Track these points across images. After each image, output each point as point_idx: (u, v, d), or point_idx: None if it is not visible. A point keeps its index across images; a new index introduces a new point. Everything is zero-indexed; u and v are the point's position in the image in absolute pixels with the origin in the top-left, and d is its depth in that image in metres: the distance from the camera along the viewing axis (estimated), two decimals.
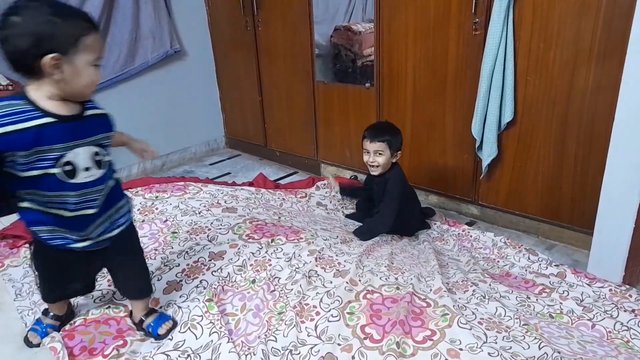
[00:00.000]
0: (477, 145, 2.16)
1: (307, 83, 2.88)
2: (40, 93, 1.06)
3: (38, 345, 1.39)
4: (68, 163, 1.10)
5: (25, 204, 1.14)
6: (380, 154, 1.97)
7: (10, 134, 1.00)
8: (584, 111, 1.86)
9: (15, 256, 1.84)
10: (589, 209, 1.79)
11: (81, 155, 1.11)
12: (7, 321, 1.53)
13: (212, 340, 1.33)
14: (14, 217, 2.08)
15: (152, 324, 1.40)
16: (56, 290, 1.38)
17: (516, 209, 2.19)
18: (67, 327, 1.44)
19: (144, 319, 1.42)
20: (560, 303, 1.51)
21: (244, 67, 3.28)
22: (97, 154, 1.15)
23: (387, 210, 1.97)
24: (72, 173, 1.11)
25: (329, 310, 1.40)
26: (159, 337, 1.38)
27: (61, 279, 1.34)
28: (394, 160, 2.03)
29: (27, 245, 1.89)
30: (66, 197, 1.12)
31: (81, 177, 1.13)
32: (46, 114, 1.06)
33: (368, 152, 2.00)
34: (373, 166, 2.00)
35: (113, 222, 1.27)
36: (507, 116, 2.03)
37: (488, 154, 2.12)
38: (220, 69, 3.52)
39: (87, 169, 1.13)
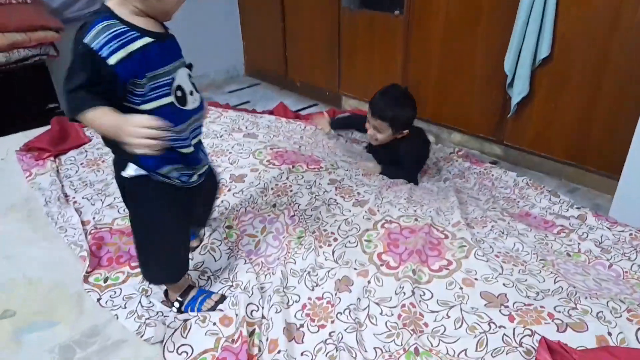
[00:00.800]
0: (507, 82, 2.07)
1: (332, 9, 2.75)
2: (125, 9, 0.92)
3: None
4: (179, 88, 0.98)
5: None
6: (379, 130, 1.84)
7: (124, 60, 0.88)
8: (625, 50, 1.75)
9: (42, 167, 1.88)
10: (617, 154, 1.74)
11: (184, 78, 1.01)
12: (40, 226, 1.58)
13: (229, 263, 1.37)
14: (38, 131, 2.12)
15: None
16: (185, 238, 1.19)
17: (542, 151, 2.13)
18: (94, 230, 1.49)
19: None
20: (579, 243, 1.51)
21: None
22: (189, 75, 1.03)
23: (409, 175, 1.92)
24: (183, 99, 1.00)
25: (347, 237, 1.42)
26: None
27: (185, 223, 1.17)
28: (398, 137, 1.87)
29: (51, 158, 1.93)
30: (183, 129, 1.01)
31: (190, 103, 1.01)
32: (144, 32, 0.92)
33: (369, 122, 1.86)
34: (372, 139, 1.88)
35: (204, 150, 1.16)
36: (544, 51, 1.92)
37: (519, 91, 2.03)
38: None
39: (191, 92, 1.02)
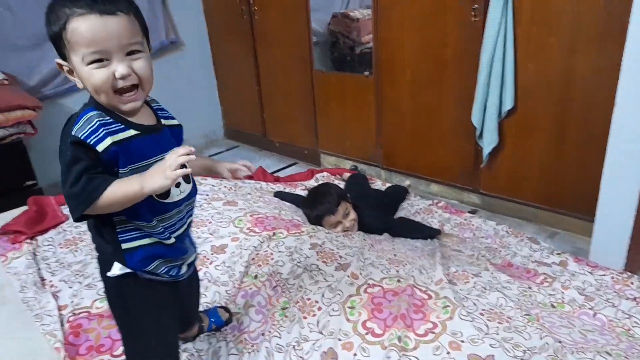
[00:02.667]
0: (477, 134, 2.14)
1: (305, 72, 2.85)
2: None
3: None
4: None
5: (132, 244, 0.97)
6: (347, 214, 1.93)
7: (108, 149, 0.87)
8: (584, 96, 1.84)
9: (17, 250, 1.84)
10: (590, 196, 1.78)
11: None
12: (14, 314, 1.53)
13: (211, 344, 1.35)
14: (15, 212, 2.10)
15: (212, 321, 1.38)
16: (175, 337, 1.14)
17: (517, 197, 2.18)
18: (71, 317, 1.44)
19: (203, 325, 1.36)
20: (562, 292, 1.51)
21: (241, 56, 3.25)
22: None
23: (396, 226, 2.02)
24: (165, 193, 0.96)
25: (330, 305, 1.40)
26: (226, 323, 1.40)
27: (176, 321, 1.13)
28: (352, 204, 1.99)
29: (28, 240, 1.89)
30: (164, 221, 0.99)
31: (174, 196, 0.98)
32: (129, 124, 0.92)
33: (340, 223, 1.91)
34: (352, 230, 1.92)
35: (191, 238, 1.13)
36: (508, 104, 2.01)
37: (489, 142, 2.10)
38: (217, 58, 3.48)
39: (178, 184, 0.99)
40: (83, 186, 0.85)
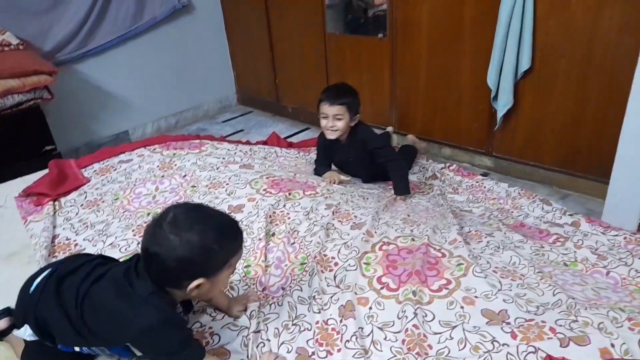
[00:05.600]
0: (492, 96, 2.12)
1: (318, 35, 2.82)
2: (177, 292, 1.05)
3: None
4: None
5: None
6: (339, 118, 1.92)
7: None
8: (607, 55, 1.80)
9: (38, 213, 1.90)
10: (606, 158, 1.78)
11: None
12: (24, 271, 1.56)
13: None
14: (37, 176, 2.15)
15: None
16: None
17: (531, 160, 2.18)
18: None
19: None
20: (575, 252, 1.53)
21: (253, 20, 3.21)
22: None
23: (395, 163, 1.99)
24: None
25: (347, 261, 1.44)
26: None
27: None
28: (352, 124, 1.97)
29: (51, 202, 1.95)
30: None
31: None
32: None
33: (326, 117, 1.93)
34: (331, 130, 1.94)
35: None
36: (525, 64, 1.98)
37: (503, 104, 2.09)
38: (230, 23, 3.44)
39: None
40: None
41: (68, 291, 1.05)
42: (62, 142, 2.74)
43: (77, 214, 1.89)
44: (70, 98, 2.83)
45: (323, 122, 1.96)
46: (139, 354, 1.06)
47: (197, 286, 1.00)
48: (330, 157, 2.14)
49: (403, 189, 1.97)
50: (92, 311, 1.01)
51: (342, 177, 2.10)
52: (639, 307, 1.21)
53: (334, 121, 1.93)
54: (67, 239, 1.74)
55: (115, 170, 2.14)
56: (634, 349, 1.06)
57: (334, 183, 2.01)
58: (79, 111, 2.92)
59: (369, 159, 2.05)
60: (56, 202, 1.97)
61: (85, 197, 1.98)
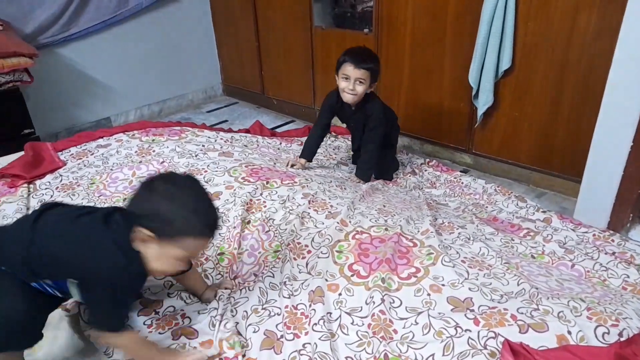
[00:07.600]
0: (473, 94, 2.15)
1: (305, 28, 2.82)
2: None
3: None
4: None
5: None
6: (361, 82, 1.88)
7: None
8: (583, 58, 1.84)
9: (12, 194, 1.87)
10: (580, 158, 1.82)
11: None
12: None
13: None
14: (11, 157, 2.12)
15: None
16: None
17: (509, 158, 2.21)
18: None
19: None
20: (543, 245, 1.56)
21: (240, 11, 3.20)
22: None
23: (370, 145, 2.01)
24: None
25: (319, 248, 1.45)
26: None
27: None
28: (368, 91, 1.96)
29: (26, 184, 1.93)
30: None
31: None
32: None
33: (347, 78, 1.88)
34: (350, 94, 1.90)
35: None
36: (505, 63, 2.01)
37: (484, 102, 2.11)
38: (216, 12, 3.43)
39: None
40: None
41: (43, 220, 1.05)
42: (42, 127, 2.71)
43: (51, 196, 1.87)
44: (51, 82, 2.80)
45: (343, 84, 1.90)
46: (75, 296, 1.06)
47: (144, 240, 1.00)
48: (331, 117, 2.14)
49: (362, 174, 2.02)
50: (58, 235, 1.03)
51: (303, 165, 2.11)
52: (599, 298, 1.24)
53: (355, 84, 1.89)
54: None
55: (92, 154, 2.13)
56: (590, 335, 1.09)
57: (291, 167, 2.05)
58: (60, 96, 2.89)
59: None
60: (31, 185, 1.95)
61: (61, 180, 1.96)
